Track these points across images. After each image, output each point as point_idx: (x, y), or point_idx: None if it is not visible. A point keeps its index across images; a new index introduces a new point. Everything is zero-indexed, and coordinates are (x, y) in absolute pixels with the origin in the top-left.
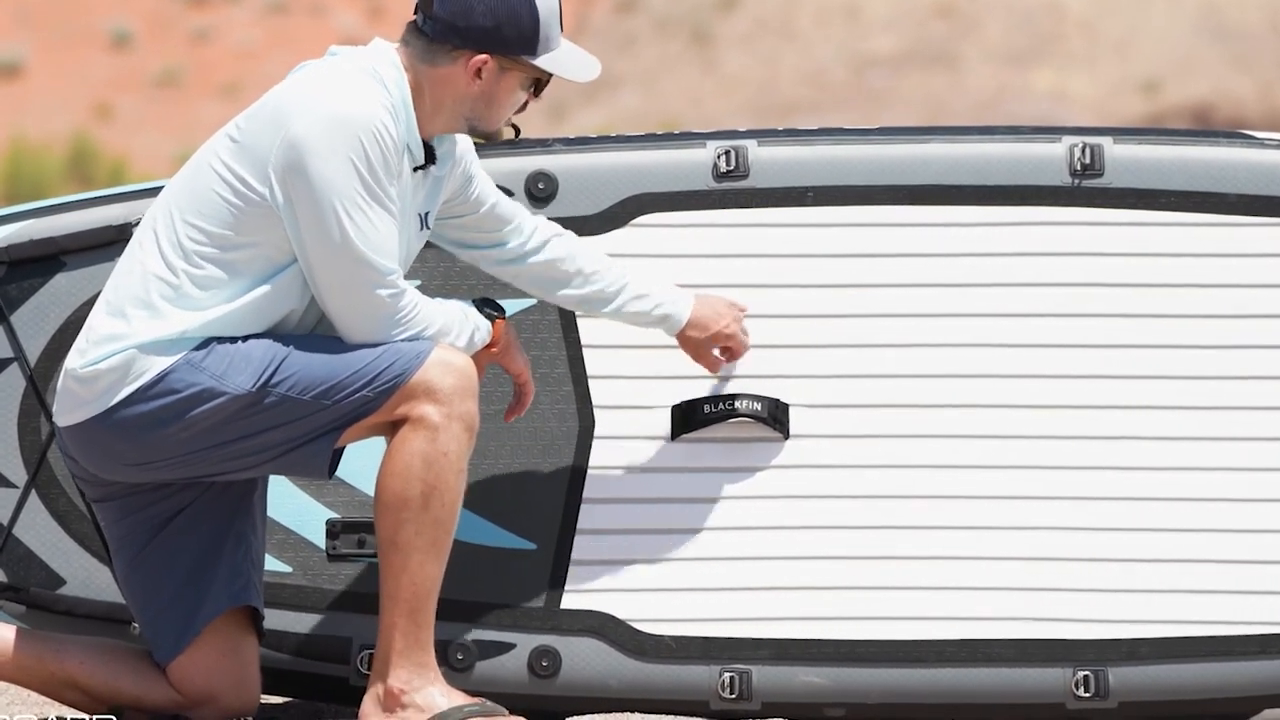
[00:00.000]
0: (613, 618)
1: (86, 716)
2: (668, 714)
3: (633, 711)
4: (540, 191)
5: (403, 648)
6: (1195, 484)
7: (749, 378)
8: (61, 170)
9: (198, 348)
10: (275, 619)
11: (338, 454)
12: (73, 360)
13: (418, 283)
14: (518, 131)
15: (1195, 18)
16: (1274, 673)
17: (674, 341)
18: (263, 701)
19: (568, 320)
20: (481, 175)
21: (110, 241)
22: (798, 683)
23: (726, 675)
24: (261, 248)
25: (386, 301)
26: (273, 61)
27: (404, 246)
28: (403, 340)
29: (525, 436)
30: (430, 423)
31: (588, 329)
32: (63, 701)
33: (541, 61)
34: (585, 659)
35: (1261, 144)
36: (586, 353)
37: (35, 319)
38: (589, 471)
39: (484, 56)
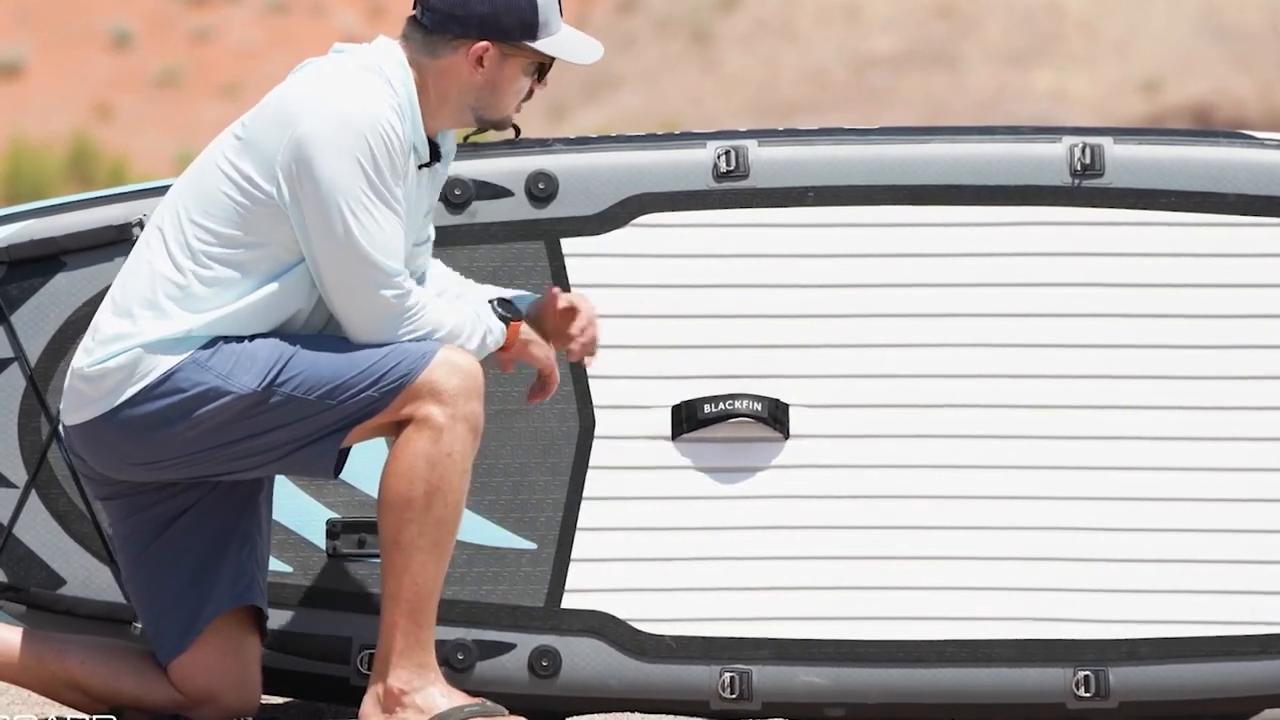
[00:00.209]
0: (613, 618)
1: (87, 716)
2: (668, 714)
3: (633, 711)
4: (540, 191)
5: (403, 648)
6: (1195, 484)
7: (749, 378)
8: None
9: (204, 347)
10: (276, 619)
11: (344, 454)
12: (79, 360)
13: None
14: (518, 131)
15: (1195, 18)
16: (1274, 673)
17: (674, 342)
18: (263, 701)
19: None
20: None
21: (111, 242)
22: (798, 683)
23: (727, 675)
24: (269, 247)
25: (391, 302)
26: (273, 61)
27: (409, 244)
28: (410, 341)
29: (525, 436)
30: (435, 423)
31: None
32: (63, 702)
33: (542, 45)
34: (585, 659)
35: (1262, 144)
36: None
37: (35, 319)
38: (589, 471)
39: (484, 44)
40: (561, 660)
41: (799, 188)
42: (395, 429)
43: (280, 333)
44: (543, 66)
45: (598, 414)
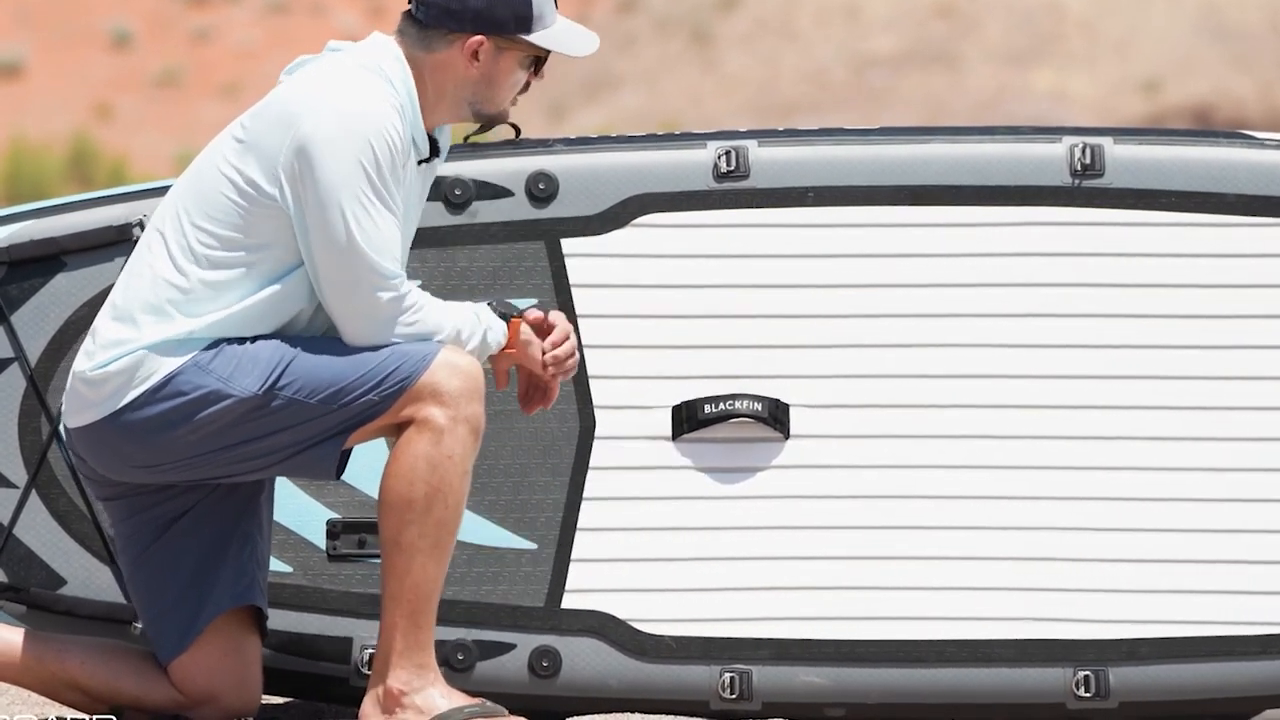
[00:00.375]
0: (613, 618)
1: (86, 717)
2: (668, 714)
3: (633, 712)
4: (541, 192)
5: (403, 648)
6: (1196, 484)
7: (749, 378)
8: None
9: (205, 349)
10: (276, 619)
11: (345, 455)
12: (80, 363)
13: (419, 282)
14: (518, 131)
15: (1195, 18)
16: (1274, 673)
17: (675, 342)
18: (263, 701)
19: (569, 321)
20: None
21: (111, 242)
22: (798, 683)
23: (727, 675)
24: (272, 249)
25: (388, 305)
26: (273, 61)
27: (406, 241)
28: (410, 342)
29: (526, 436)
30: (436, 425)
31: (588, 329)
32: (63, 702)
33: (537, 38)
34: (585, 659)
35: (1262, 144)
36: (587, 353)
37: (36, 319)
38: (590, 471)
39: (479, 38)
40: (561, 660)
41: (799, 188)
42: (396, 430)
43: (282, 335)
44: (539, 59)
45: (598, 414)
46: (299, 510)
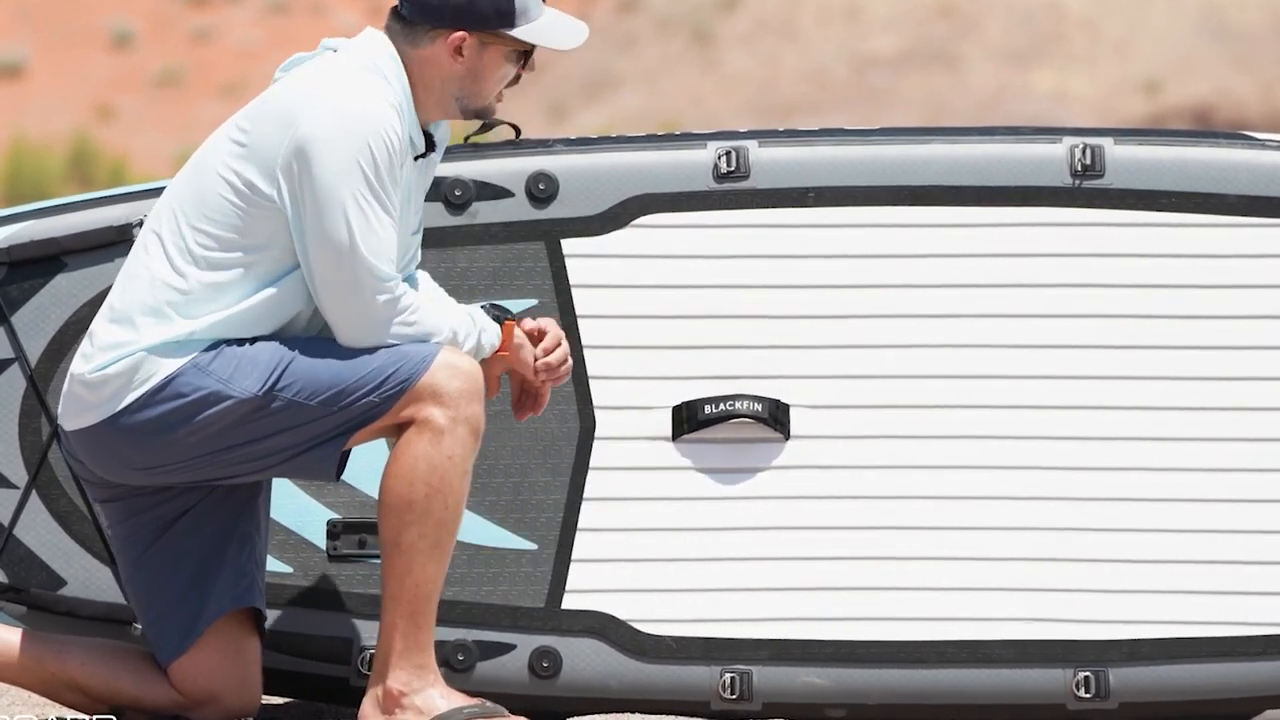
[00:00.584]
0: (613, 618)
1: (86, 717)
2: (668, 714)
3: (633, 712)
4: (541, 192)
5: (403, 649)
6: (1196, 485)
7: (750, 378)
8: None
9: (205, 351)
10: (276, 619)
11: (345, 456)
12: (79, 366)
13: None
14: (518, 132)
15: (1196, 18)
16: (1275, 673)
17: (675, 342)
18: (263, 702)
19: (569, 321)
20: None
21: (112, 242)
22: (798, 683)
23: (727, 676)
24: (270, 250)
25: (382, 307)
26: (273, 61)
27: (404, 238)
28: (410, 343)
29: (526, 437)
30: (436, 426)
31: (589, 330)
32: (63, 702)
33: (520, 33)
34: (586, 659)
35: (1262, 145)
36: (587, 353)
37: (36, 320)
38: (590, 472)
39: (461, 34)
40: (562, 661)
41: (799, 188)
42: (396, 430)
43: (281, 335)
44: (526, 52)
45: (598, 415)
46: (299, 510)
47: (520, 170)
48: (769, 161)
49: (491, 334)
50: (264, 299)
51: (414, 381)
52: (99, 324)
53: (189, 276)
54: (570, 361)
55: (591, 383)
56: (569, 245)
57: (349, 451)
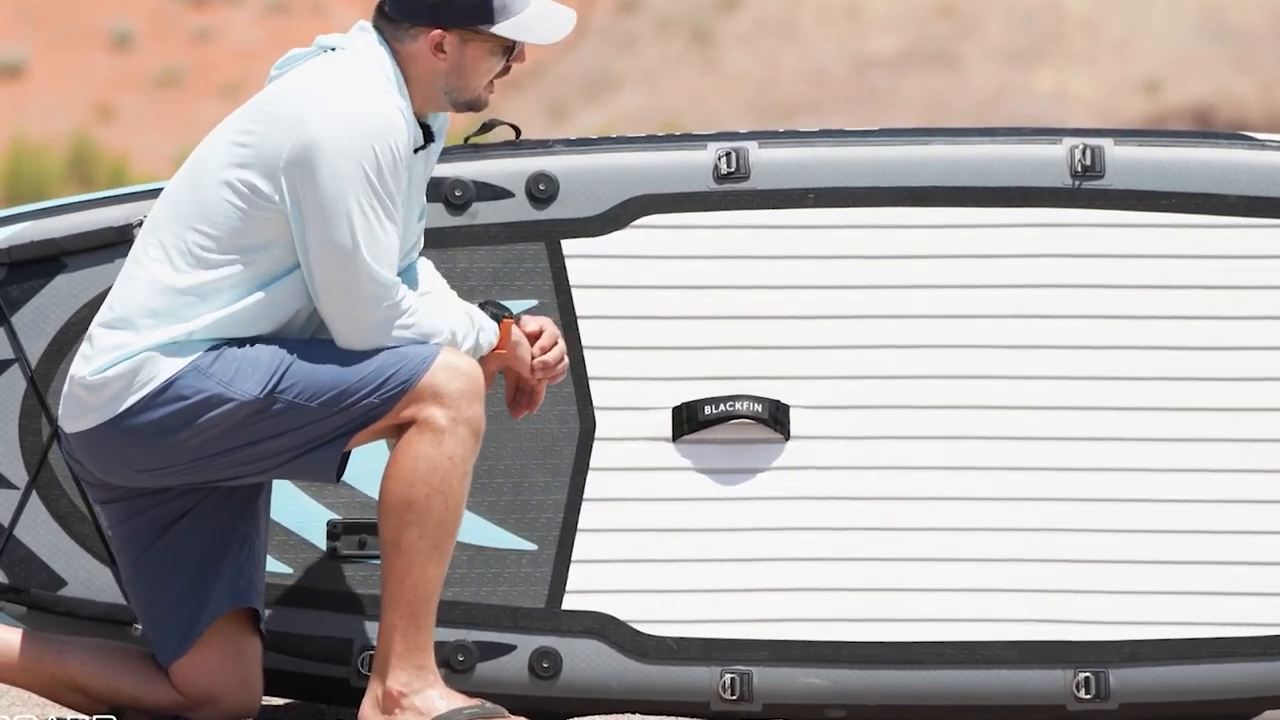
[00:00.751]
0: (613, 619)
1: (86, 717)
2: (668, 715)
3: (633, 713)
4: (541, 193)
5: (402, 650)
6: (1196, 485)
7: (750, 379)
8: (62, 171)
9: (206, 352)
10: (276, 620)
11: (345, 457)
12: (79, 368)
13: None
14: (518, 132)
15: (1196, 18)
16: (1275, 674)
17: (675, 343)
18: (264, 702)
19: (569, 321)
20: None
21: (111, 243)
22: (798, 684)
23: (727, 676)
24: (271, 250)
25: (383, 311)
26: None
27: (409, 232)
28: (409, 344)
29: (526, 437)
30: (436, 426)
31: (589, 330)
32: (63, 703)
33: (500, 29)
34: (586, 660)
35: (1262, 145)
36: (588, 354)
37: (36, 320)
38: (590, 472)
39: (440, 31)
40: (562, 661)
41: (800, 189)
42: (397, 431)
43: (282, 336)
44: (510, 46)
45: (598, 415)
46: (299, 511)
47: (520, 171)
48: (769, 162)
49: (489, 333)
50: (263, 299)
51: (414, 382)
52: (98, 325)
53: (188, 277)
54: (566, 360)
55: (591, 383)
56: (569, 246)
57: (350, 453)
